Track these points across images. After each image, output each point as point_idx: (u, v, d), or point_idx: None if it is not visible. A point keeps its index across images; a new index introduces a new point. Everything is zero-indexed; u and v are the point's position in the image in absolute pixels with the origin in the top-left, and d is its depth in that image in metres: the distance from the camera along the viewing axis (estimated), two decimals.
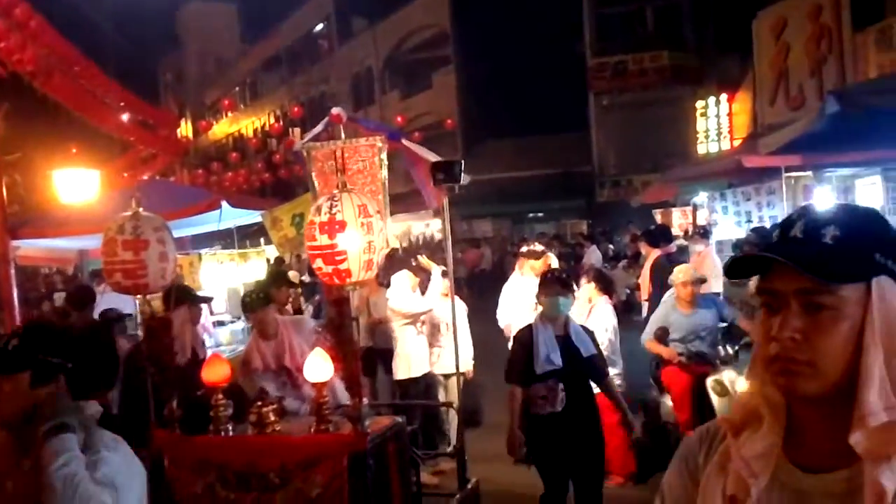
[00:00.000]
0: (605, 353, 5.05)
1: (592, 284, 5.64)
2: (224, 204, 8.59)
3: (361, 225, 3.15)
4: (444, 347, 5.94)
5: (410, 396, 5.81)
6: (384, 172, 5.18)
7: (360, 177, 5.22)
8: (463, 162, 4.71)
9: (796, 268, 0.99)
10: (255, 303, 4.52)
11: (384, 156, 5.21)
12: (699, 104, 19.74)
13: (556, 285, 4.09)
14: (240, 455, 3.34)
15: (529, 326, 4.09)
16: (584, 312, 5.48)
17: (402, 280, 6.02)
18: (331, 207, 3.14)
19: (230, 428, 3.50)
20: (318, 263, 3.19)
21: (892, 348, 1.00)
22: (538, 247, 6.70)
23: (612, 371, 5.13)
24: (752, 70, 16.24)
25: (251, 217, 10.50)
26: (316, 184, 5.11)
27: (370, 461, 3.15)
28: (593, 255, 14.53)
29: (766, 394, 1.08)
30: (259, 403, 3.44)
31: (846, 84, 12.11)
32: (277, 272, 8.68)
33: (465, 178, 5.77)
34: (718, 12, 20.21)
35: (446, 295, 6.01)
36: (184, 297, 4.64)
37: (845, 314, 1.00)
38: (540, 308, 4.31)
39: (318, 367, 3.27)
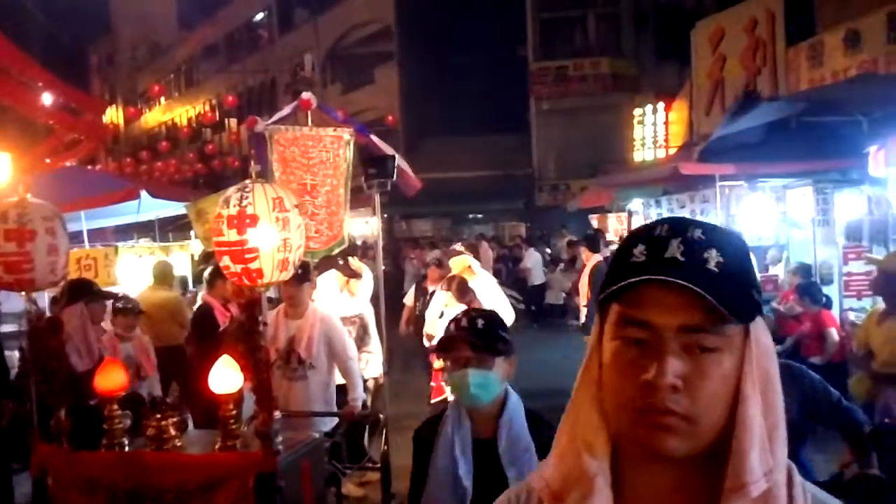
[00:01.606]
0: None
1: (450, 293, 5.52)
2: (143, 194, 8.10)
3: (276, 220, 2.84)
4: (373, 353, 5.67)
5: (340, 404, 5.53)
6: (349, 165, 5.00)
7: (322, 167, 5.04)
8: (396, 157, 4.45)
9: (705, 298, 0.79)
10: (293, 276, 4.26)
11: (350, 148, 5.02)
12: (637, 112, 19.98)
13: (463, 345, 2.13)
14: (134, 473, 2.98)
15: (436, 420, 2.28)
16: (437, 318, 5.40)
17: (330, 281, 5.72)
18: (241, 199, 2.82)
19: (125, 442, 3.14)
20: (226, 261, 2.86)
21: (767, 401, 0.83)
22: (459, 247, 6.45)
23: None
24: (690, 79, 16.50)
25: (175, 209, 9.98)
26: (275, 169, 4.85)
27: (280, 482, 2.85)
28: (531, 258, 14.50)
29: (596, 449, 0.87)
30: (158, 416, 3.09)
31: (780, 96, 12.37)
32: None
33: (413, 179, 5.58)
34: (658, 22, 20.55)
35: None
36: (78, 294, 4.22)
37: (726, 359, 0.83)
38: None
39: (226, 376, 2.96)
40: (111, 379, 3.14)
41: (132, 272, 8.64)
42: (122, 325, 5.09)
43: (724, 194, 9.47)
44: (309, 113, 5.09)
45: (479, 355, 2.10)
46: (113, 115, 43.08)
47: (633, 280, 0.82)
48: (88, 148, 19.37)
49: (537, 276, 14.34)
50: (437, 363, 5.40)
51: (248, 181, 2.91)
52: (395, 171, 4.42)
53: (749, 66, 13.92)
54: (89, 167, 17.29)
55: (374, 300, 5.60)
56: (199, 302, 7.03)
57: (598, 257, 7.97)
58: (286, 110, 5.27)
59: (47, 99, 14.34)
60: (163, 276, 7.48)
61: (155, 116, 43.32)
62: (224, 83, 34.85)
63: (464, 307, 5.45)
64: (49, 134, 17.88)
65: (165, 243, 10.45)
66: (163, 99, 41.27)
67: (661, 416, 0.81)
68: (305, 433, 3.36)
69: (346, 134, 5.11)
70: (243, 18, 34.73)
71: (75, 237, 9.34)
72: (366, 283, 5.70)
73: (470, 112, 22.61)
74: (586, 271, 7.91)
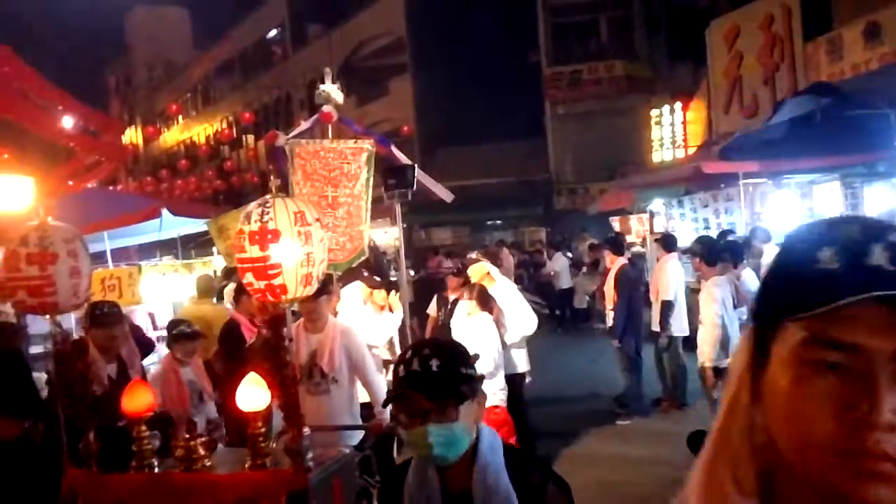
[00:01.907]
0: (489, 369, 5.06)
1: (473, 301, 5.45)
2: (165, 212, 8.14)
3: (298, 234, 2.80)
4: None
5: (366, 417, 5.49)
6: (370, 177, 4.98)
7: (343, 179, 5.03)
8: (416, 167, 4.41)
9: None
10: None
11: (371, 160, 5.01)
12: (653, 113, 19.87)
13: (417, 396, 1.71)
14: (163, 495, 2.95)
15: (403, 471, 1.89)
16: (465, 328, 5.38)
17: (354, 293, 5.67)
18: (262, 215, 2.78)
19: (155, 463, 3.10)
20: (249, 278, 2.82)
21: None
22: (476, 255, 6.39)
23: (494, 385, 5.15)
24: (706, 79, 16.36)
25: (196, 226, 10.03)
26: (297, 183, 4.85)
27: (312, 501, 2.80)
28: (558, 263, 14.35)
29: (745, 486, 0.75)
30: (187, 436, 3.05)
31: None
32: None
33: (442, 193, 5.55)
34: (670, 22, 20.42)
35: (382, 308, 5.74)
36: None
37: None
38: None
39: (252, 394, 2.91)
40: (138, 400, 3.10)
41: (156, 290, 8.68)
42: (182, 350, 5.07)
43: (748, 192, 9.35)
44: (329, 126, 5.09)
45: (439, 405, 1.68)
46: (132, 135, 43.65)
47: (852, 299, 0.67)
48: (109, 169, 19.57)
49: (565, 281, 14.20)
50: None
51: (268, 196, 2.87)
52: (416, 182, 4.37)
53: (767, 62, 13.78)
54: (111, 188, 17.46)
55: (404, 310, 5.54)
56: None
57: (622, 260, 7.86)
58: (306, 124, 5.29)
59: (67, 122, 14.52)
60: (206, 289, 7.57)
61: (173, 135, 43.80)
62: (240, 100, 35.17)
63: (487, 315, 5.43)
64: (70, 156, 18.11)
65: (188, 260, 10.47)
66: (181, 118, 41.72)
67: (874, 462, 0.67)
68: (335, 448, 3.30)
69: (368, 145, 5.10)
70: (257, 35, 35.04)
71: (99, 257, 9.42)
72: (396, 318, 5.66)
73: (485, 119, 22.57)
74: (611, 274, 7.80)
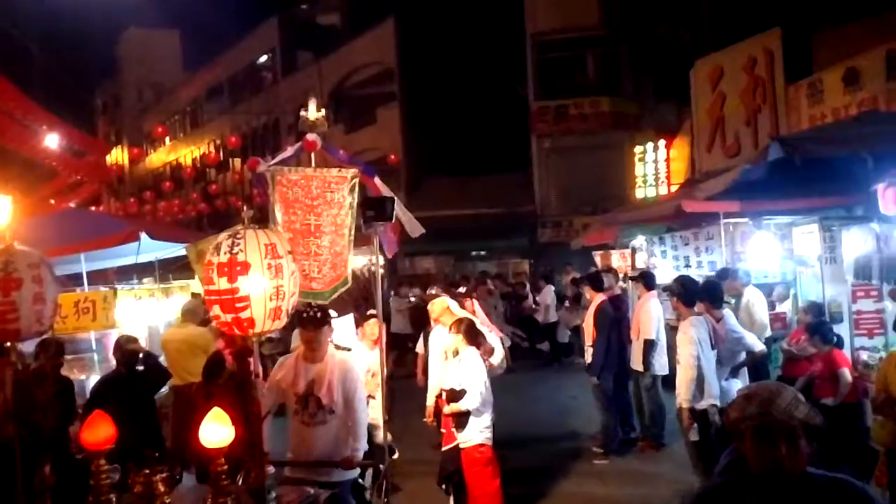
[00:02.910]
0: (475, 404, 5.17)
1: (460, 336, 5.45)
2: (143, 235, 8.03)
3: (268, 267, 2.75)
4: (375, 398, 5.53)
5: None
6: (353, 205, 4.94)
7: (326, 208, 4.99)
8: (395, 200, 4.37)
9: None
10: (311, 320, 4.36)
11: (356, 189, 4.97)
12: (637, 149, 20.06)
13: None
14: None
15: None
16: (453, 364, 5.41)
17: (348, 325, 5.62)
18: (232, 246, 2.73)
19: (113, 499, 2.99)
20: (216, 311, 2.76)
21: None
22: (435, 290, 6.39)
23: (480, 423, 5.24)
24: (690, 117, 16.57)
25: (174, 250, 9.92)
26: (278, 211, 4.79)
27: None
28: (548, 296, 14.28)
29: None
30: (147, 471, 2.95)
31: (781, 133, 12.38)
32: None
33: (413, 228, 5.52)
34: (656, 61, 20.74)
35: (376, 342, 5.69)
36: None
37: None
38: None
39: (215, 430, 2.83)
40: (98, 432, 3.01)
41: (131, 315, 8.55)
42: None
43: (728, 231, 9.40)
44: (313, 154, 5.04)
45: None
46: (118, 155, 43.47)
47: None
48: (91, 189, 19.47)
49: (552, 314, 14.13)
50: (447, 408, 5.29)
51: (239, 227, 2.83)
52: (394, 215, 4.34)
53: (749, 103, 13.98)
54: (92, 208, 17.31)
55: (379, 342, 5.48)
56: None
57: (601, 297, 7.85)
58: (289, 151, 5.23)
59: (51, 141, 14.44)
60: (191, 313, 7.51)
61: (160, 157, 43.68)
62: (228, 124, 35.20)
63: (474, 350, 5.38)
64: (53, 176, 17.99)
65: (166, 284, 10.34)
66: (167, 139, 41.65)
67: None
68: (298, 489, 3.21)
69: (352, 174, 5.06)
70: (247, 60, 35.20)
71: (76, 279, 9.28)
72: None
73: (471, 150, 22.71)
74: (590, 311, 7.78)
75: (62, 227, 8.65)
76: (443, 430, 5.49)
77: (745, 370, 6.24)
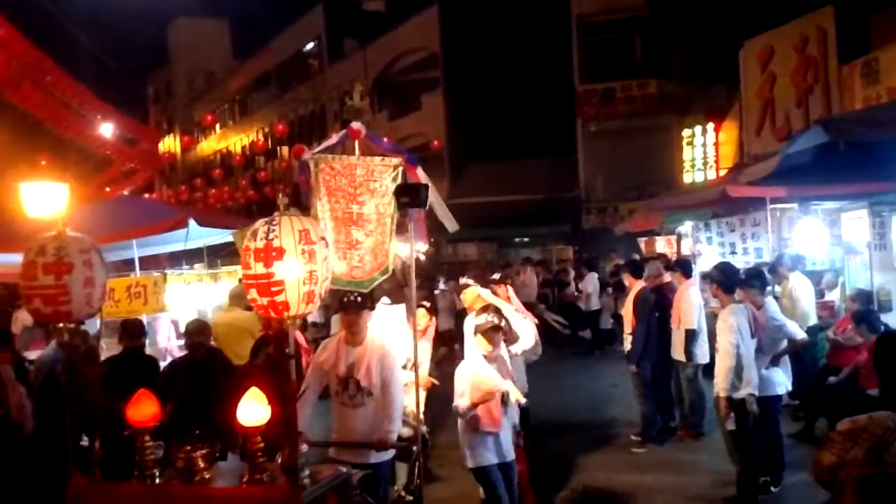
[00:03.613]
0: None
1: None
2: (192, 222, 8.27)
3: (302, 252, 2.84)
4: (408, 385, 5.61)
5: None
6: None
7: (369, 196, 5.06)
8: (429, 186, 4.43)
9: None
10: (352, 304, 4.53)
11: (398, 178, 5.03)
12: (686, 133, 19.68)
13: None
14: None
15: None
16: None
17: (401, 314, 5.70)
18: (268, 232, 2.84)
19: (156, 474, 3.16)
20: (253, 294, 2.88)
21: None
22: (466, 280, 6.38)
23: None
24: (739, 100, 16.18)
25: (222, 236, 10.18)
26: (321, 199, 4.89)
27: None
28: (591, 283, 14.19)
29: None
30: (188, 448, 3.10)
31: (832, 114, 12.02)
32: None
33: (449, 222, 5.55)
34: (706, 42, 20.25)
35: (423, 332, 5.77)
36: None
37: None
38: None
39: (252, 409, 2.95)
40: (143, 410, 3.16)
41: (181, 299, 8.83)
42: None
43: (775, 217, 9.20)
44: (357, 142, 5.10)
45: None
46: (170, 144, 44.56)
47: None
48: (145, 176, 20.05)
49: (594, 301, 14.02)
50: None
51: (275, 213, 2.93)
52: (427, 203, 4.41)
53: (800, 84, 13.60)
54: (146, 195, 17.86)
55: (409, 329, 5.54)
56: None
57: (641, 284, 7.77)
58: (333, 139, 5.28)
59: (105, 130, 14.95)
60: (238, 297, 7.71)
61: (210, 145, 44.60)
62: (276, 112, 35.72)
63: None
64: (108, 164, 18.63)
65: (214, 270, 10.63)
66: (217, 128, 42.50)
67: None
68: (332, 467, 3.32)
69: (396, 162, 5.11)
70: (294, 48, 35.59)
71: (129, 264, 9.62)
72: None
73: (515, 135, 22.58)
74: (630, 298, 7.72)
75: (115, 213, 8.97)
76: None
77: (786, 359, 6.15)
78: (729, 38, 16.58)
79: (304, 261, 2.86)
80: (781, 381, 5.97)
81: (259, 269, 2.84)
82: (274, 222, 2.88)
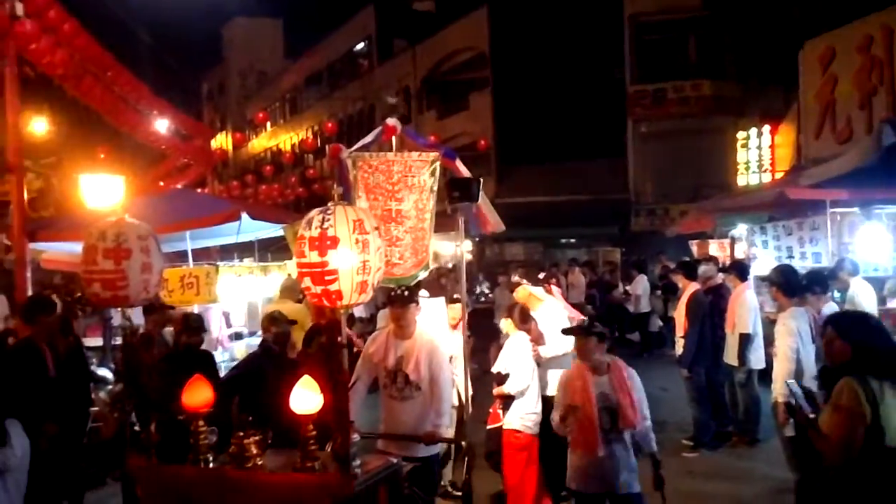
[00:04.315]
0: (516, 389, 5.16)
1: (510, 321, 5.50)
2: (244, 215, 8.40)
3: (356, 242, 2.84)
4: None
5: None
6: (434, 189, 4.98)
7: (407, 192, 5.04)
8: (480, 181, 4.39)
9: None
10: (398, 298, 4.57)
11: (437, 172, 5.01)
12: (740, 135, 19.22)
13: None
14: (215, 489, 3.03)
15: None
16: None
17: (440, 307, 5.71)
18: (322, 221, 2.84)
19: (210, 458, 3.19)
20: (307, 282, 2.89)
21: None
22: (517, 278, 6.31)
23: (521, 409, 5.20)
24: (797, 101, 15.72)
25: (273, 230, 10.31)
26: (359, 196, 4.90)
27: None
28: (640, 285, 13.94)
29: None
30: (241, 434, 3.13)
31: None
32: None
33: (495, 222, 5.51)
34: (762, 42, 19.74)
35: (455, 325, 5.76)
36: None
37: None
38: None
39: (305, 397, 2.96)
40: (198, 395, 3.20)
41: (231, 290, 8.97)
42: None
43: (835, 221, 8.90)
44: (394, 138, 5.09)
45: None
46: (223, 141, 45.48)
47: None
48: (198, 172, 20.48)
49: (644, 304, 13.78)
50: (496, 389, 5.33)
51: (330, 203, 2.93)
52: (480, 196, 4.36)
53: (864, 85, 13.12)
54: (198, 190, 18.21)
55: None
56: None
57: (695, 286, 7.59)
58: (369, 137, 5.26)
59: (161, 125, 15.29)
60: (289, 290, 7.83)
61: (261, 142, 45.37)
62: (326, 110, 36.12)
63: (523, 334, 5.43)
64: (162, 159, 19.07)
65: (265, 263, 10.78)
66: (269, 126, 43.19)
67: None
68: (383, 457, 3.31)
69: (433, 157, 5.08)
70: (345, 48, 35.96)
71: (182, 256, 9.83)
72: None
73: (564, 135, 22.36)
74: (683, 301, 7.55)
75: (169, 206, 9.17)
76: (490, 410, 5.54)
77: None
78: (787, 39, 16.13)
79: (357, 250, 2.85)
80: None
81: (314, 257, 2.85)
82: (329, 211, 2.88)
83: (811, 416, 3.41)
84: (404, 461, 3.89)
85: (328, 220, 2.85)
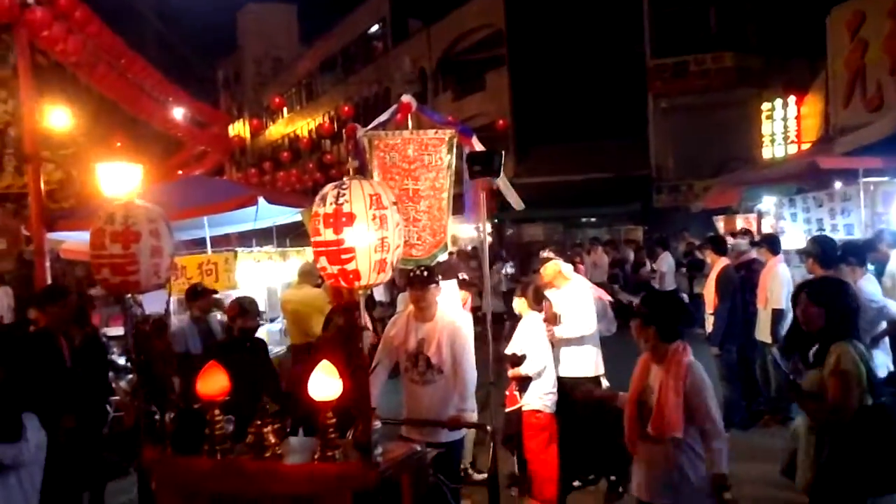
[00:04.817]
0: (535, 370, 5.08)
1: (524, 300, 5.36)
2: (261, 200, 8.30)
3: (373, 218, 2.68)
4: None
5: None
6: (452, 167, 4.87)
7: (423, 171, 4.95)
8: (503, 154, 4.21)
9: None
10: (418, 279, 4.38)
11: (454, 150, 4.89)
12: (765, 107, 18.77)
13: None
14: (232, 480, 2.90)
15: None
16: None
17: (453, 288, 5.59)
18: (337, 197, 2.68)
19: (227, 448, 3.07)
20: (323, 262, 2.73)
21: None
22: (548, 253, 6.13)
23: (540, 389, 5.15)
24: (825, 70, 15.26)
25: (291, 215, 10.21)
26: (376, 176, 4.79)
27: (379, 496, 2.67)
28: (665, 263, 13.67)
29: None
30: (258, 422, 3.00)
31: None
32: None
33: (515, 200, 5.36)
34: (784, 12, 19.21)
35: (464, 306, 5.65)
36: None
37: None
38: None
39: (324, 383, 2.82)
40: (213, 383, 3.08)
41: (251, 277, 8.90)
42: None
43: (868, 191, 8.60)
44: (409, 116, 4.99)
45: None
46: (240, 128, 45.49)
47: None
48: (215, 159, 20.46)
49: (669, 282, 13.49)
50: (511, 372, 5.26)
51: (345, 178, 2.77)
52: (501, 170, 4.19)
53: (894, 51, 12.66)
54: (216, 178, 18.22)
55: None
56: None
57: (725, 261, 7.35)
58: (385, 115, 5.20)
59: (177, 113, 15.26)
60: (307, 275, 7.73)
61: (278, 129, 45.32)
62: (342, 95, 35.93)
63: (536, 314, 5.32)
64: (180, 148, 19.09)
65: (283, 248, 10.70)
66: (285, 112, 43.09)
67: None
68: (407, 445, 3.17)
69: (449, 135, 4.95)
70: (359, 31, 35.68)
71: (201, 244, 9.77)
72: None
73: (583, 113, 21.99)
74: (712, 276, 7.31)
75: (187, 192, 9.10)
76: (506, 393, 5.46)
77: (885, 340, 5.69)
78: (810, 7, 15.65)
79: (375, 227, 2.69)
80: (882, 362, 5.51)
81: (329, 235, 2.69)
82: (344, 186, 2.72)
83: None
84: (428, 447, 3.76)
85: (343, 195, 2.69)
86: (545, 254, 5.99)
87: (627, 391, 3.62)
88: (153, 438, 3.14)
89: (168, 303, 5.09)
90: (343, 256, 2.67)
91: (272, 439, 2.98)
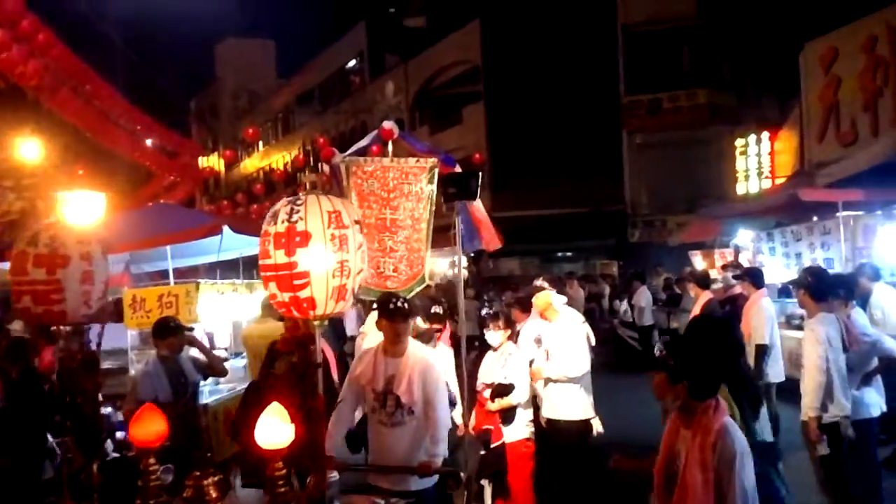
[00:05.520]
0: (524, 398, 5.06)
1: (501, 332, 5.34)
2: (226, 229, 7.91)
3: (332, 238, 2.35)
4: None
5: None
6: (432, 198, 4.67)
7: (403, 201, 4.72)
8: (479, 176, 3.94)
9: None
10: (399, 311, 3.93)
11: (434, 179, 4.69)
12: (739, 143, 18.95)
13: None
14: None
15: None
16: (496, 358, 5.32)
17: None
18: (290, 213, 2.35)
19: (161, 502, 2.68)
20: (273, 289, 2.39)
21: None
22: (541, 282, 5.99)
23: (525, 417, 5.18)
24: (799, 105, 15.38)
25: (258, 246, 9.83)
26: (354, 204, 4.50)
27: None
28: (643, 298, 13.44)
29: None
30: (198, 474, 2.62)
31: None
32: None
33: (488, 230, 5.15)
34: (756, 50, 19.51)
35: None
36: None
37: None
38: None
39: (273, 428, 2.45)
40: (148, 428, 2.69)
41: (214, 309, 8.46)
42: None
43: (848, 225, 8.48)
44: (390, 144, 4.77)
45: None
46: (214, 161, 45.01)
47: None
48: (186, 190, 20.03)
49: (647, 317, 13.25)
50: (495, 404, 5.09)
51: (300, 192, 2.44)
52: (478, 192, 3.91)
53: (868, 86, 12.76)
54: (180, 206, 17.80)
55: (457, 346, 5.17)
56: None
57: (708, 294, 7.13)
58: (365, 141, 5.01)
59: (146, 142, 14.89)
60: (270, 307, 7.29)
61: (253, 163, 44.96)
62: (318, 128, 35.77)
63: (513, 344, 5.31)
64: (150, 179, 18.65)
65: (250, 280, 10.27)
66: (260, 145, 42.80)
67: None
68: (370, 499, 2.80)
69: (430, 163, 4.73)
70: (336, 65, 35.71)
71: (164, 276, 9.32)
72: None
73: (559, 148, 22.04)
74: (695, 311, 7.07)
75: (149, 220, 8.69)
76: (487, 427, 5.19)
77: (878, 378, 5.44)
78: (781, 46, 15.86)
79: (333, 248, 2.36)
80: (875, 401, 5.25)
81: (279, 257, 2.35)
82: (299, 202, 2.39)
83: None
84: (395, 497, 3.39)
85: (297, 211, 2.35)
86: (538, 283, 5.76)
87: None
88: (77, 492, 2.73)
89: (100, 336, 4.61)
90: (296, 282, 2.33)
91: (213, 493, 2.60)
